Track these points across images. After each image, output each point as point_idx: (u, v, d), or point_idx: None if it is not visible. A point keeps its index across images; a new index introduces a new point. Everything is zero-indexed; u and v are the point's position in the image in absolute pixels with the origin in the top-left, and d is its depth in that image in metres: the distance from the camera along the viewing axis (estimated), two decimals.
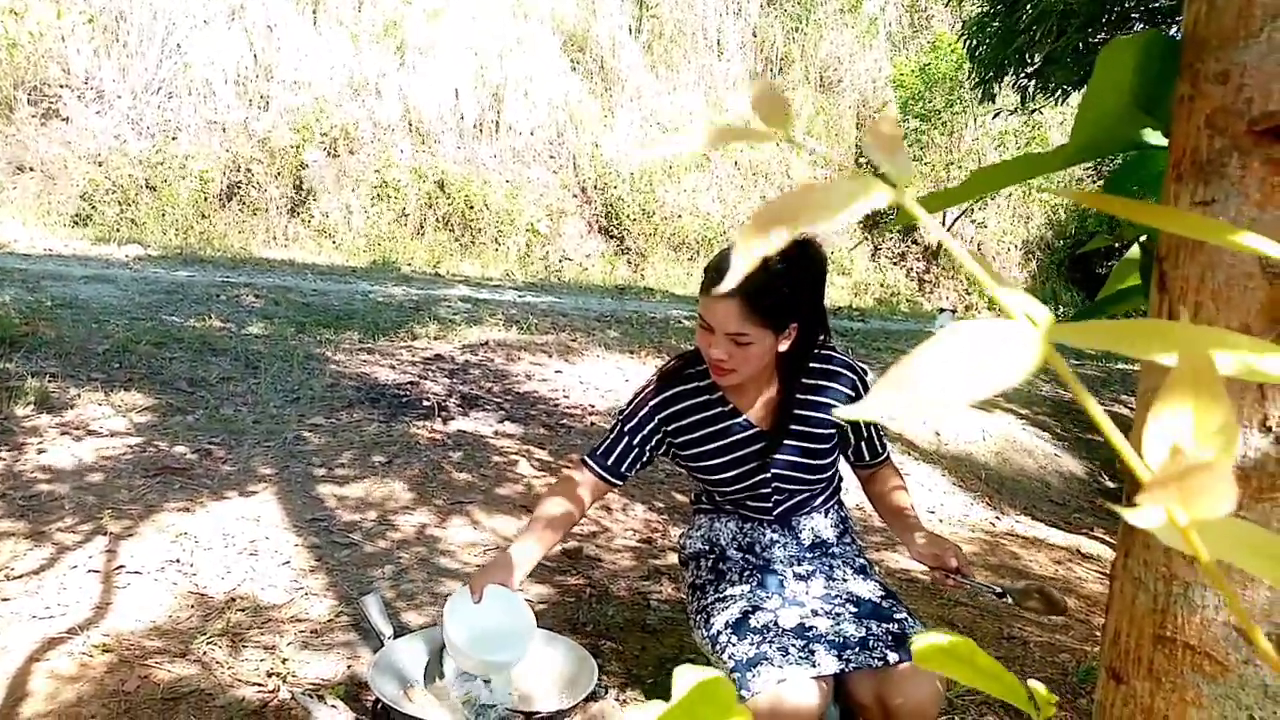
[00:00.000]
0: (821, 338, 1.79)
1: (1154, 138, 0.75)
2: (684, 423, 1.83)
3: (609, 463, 1.84)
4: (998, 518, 4.44)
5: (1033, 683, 0.64)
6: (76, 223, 9.04)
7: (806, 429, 1.79)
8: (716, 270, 1.63)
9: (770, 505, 1.87)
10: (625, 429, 1.84)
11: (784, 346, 1.69)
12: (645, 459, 1.86)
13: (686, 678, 0.46)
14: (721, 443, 1.82)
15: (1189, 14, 0.60)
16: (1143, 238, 0.83)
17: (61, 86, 9.73)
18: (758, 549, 1.89)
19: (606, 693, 2.15)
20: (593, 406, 4.69)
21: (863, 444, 1.90)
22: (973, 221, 16.21)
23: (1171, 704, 0.60)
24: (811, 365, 1.79)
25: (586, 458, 1.87)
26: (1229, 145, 0.57)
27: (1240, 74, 0.56)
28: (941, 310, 11.09)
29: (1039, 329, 0.33)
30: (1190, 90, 0.60)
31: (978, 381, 0.32)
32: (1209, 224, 0.43)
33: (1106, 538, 4.45)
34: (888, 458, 1.95)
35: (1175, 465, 0.30)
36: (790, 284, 1.61)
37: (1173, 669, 0.60)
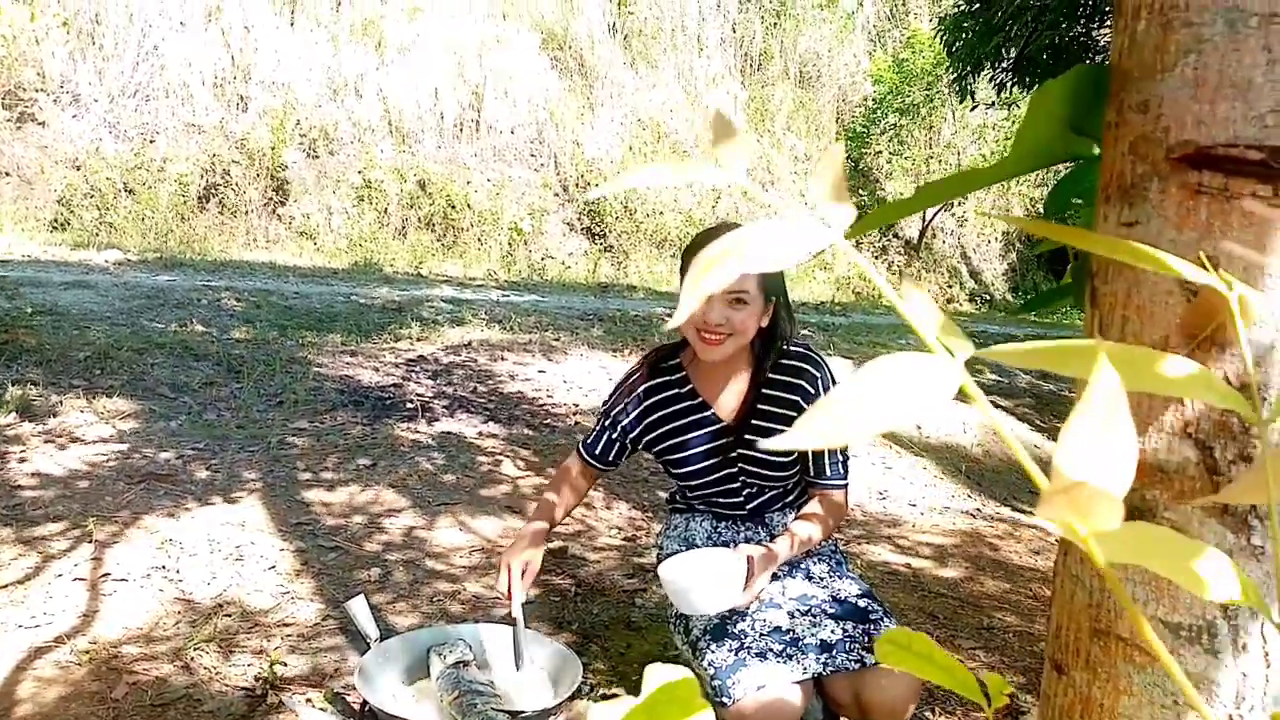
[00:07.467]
0: (789, 331, 1.85)
1: (1095, 149, 0.79)
2: (656, 416, 1.90)
3: (596, 453, 1.97)
4: (979, 509, 4.50)
5: (987, 675, 0.68)
6: (55, 227, 8.99)
7: (771, 425, 1.83)
8: (696, 251, 1.68)
9: (742, 499, 1.91)
10: (606, 423, 1.96)
11: (764, 322, 1.77)
12: (629, 449, 1.97)
13: (656, 676, 0.49)
14: (690, 435, 1.87)
15: (1115, 47, 0.64)
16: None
17: (37, 90, 9.65)
18: (732, 548, 1.92)
19: (592, 691, 2.18)
20: (576, 406, 4.72)
21: (808, 457, 1.85)
22: (953, 215, 16.33)
23: (1107, 693, 0.64)
24: (780, 361, 1.84)
25: (579, 446, 2.01)
26: (1150, 171, 0.61)
27: (1159, 104, 0.60)
28: None
29: (955, 361, 0.37)
30: (1116, 118, 0.63)
31: (898, 413, 0.35)
32: (1121, 244, 0.47)
33: None
34: (837, 489, 1.86)
35: (1061, 485, 0.33)
36: None
37: (1107, 660, 0.64)
